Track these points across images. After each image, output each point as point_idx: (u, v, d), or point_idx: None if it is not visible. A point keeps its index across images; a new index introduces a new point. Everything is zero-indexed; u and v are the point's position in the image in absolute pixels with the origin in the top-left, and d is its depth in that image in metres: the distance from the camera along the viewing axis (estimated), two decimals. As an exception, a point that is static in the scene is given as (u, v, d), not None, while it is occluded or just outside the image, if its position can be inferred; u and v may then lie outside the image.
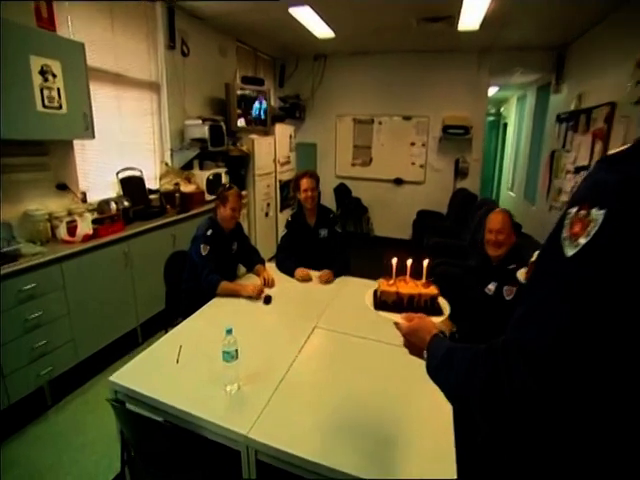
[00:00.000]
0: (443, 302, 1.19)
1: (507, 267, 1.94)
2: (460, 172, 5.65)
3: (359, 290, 1.33)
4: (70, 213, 2.63)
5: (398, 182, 6.10)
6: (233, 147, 4.30)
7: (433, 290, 1.17)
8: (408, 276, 1.22)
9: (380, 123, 5.95)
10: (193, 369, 1.55)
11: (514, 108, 7.68)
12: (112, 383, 1.47)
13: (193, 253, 2.33)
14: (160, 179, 3.71)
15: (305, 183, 2.67)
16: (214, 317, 2.00)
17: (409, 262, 1.22)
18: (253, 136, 4.59)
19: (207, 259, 2.28)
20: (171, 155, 3.97)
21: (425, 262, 1.21)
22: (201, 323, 1.93)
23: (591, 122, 4.11)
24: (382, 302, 1.15)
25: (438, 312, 1.13)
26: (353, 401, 1.44)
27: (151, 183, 3.70)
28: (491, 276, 2.05)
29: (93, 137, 2.72)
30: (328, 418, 1.35)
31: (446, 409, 1.33)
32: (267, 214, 5.05)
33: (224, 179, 4.14)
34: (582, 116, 4.31)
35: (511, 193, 7.24)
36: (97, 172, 3.15)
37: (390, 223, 6.38)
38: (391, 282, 1.18)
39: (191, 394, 1.41)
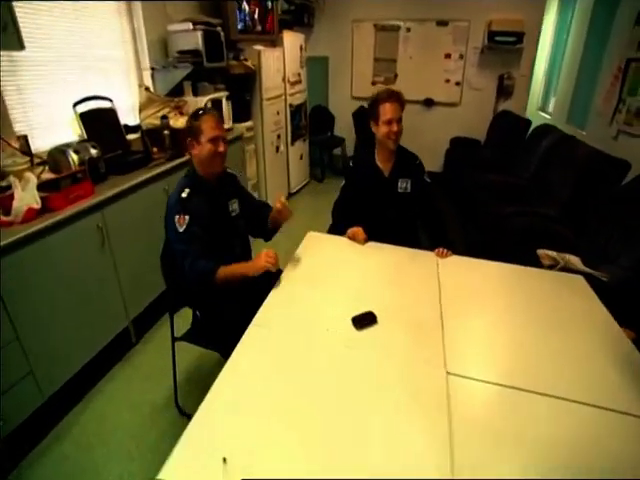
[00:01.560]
0: None
1: None
2: (504, 91, 4.47)
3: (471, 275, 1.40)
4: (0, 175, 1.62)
5: (428, 103, 4.84)
6: (236, 62, 3.07)
7: None
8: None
9: (408, 30, 4.52)
10: None
11: (552, 10, 6.13)
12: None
13: (169, 234, 1.45)
14: (140, 111, 2.56)
15: (390, 110, 1.72)
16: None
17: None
18: (259, 47, 3.32)
19: (188, 236, 1.40)
20: (152, 76, 2.76)
21: None
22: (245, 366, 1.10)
23: None
24: None
25: None
26: None
27: (127, 117, 2.57)
28: None
29: (21, 47, 1.62)
30: None
31: None
32: (278, 148, 3.97)
33: (225, 107, 3.03)
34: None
35: (544, 114, 6.04)
36: (44, 104, 2.05)
37: (419, 153, 5.18)
38: None
39: None
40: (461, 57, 4.48)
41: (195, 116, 1.48)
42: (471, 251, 1.87)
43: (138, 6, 2.59)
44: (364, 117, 4.86)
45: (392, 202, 1.89)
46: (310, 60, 4.67)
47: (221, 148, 1.48)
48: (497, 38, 4.08)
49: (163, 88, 2.79)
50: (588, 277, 1.66)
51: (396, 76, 4.81)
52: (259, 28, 3.41)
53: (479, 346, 1.22)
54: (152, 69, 2.74)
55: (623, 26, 3.89)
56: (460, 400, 1.00)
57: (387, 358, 1.14)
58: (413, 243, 1.86)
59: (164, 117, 2.51)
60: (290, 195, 4.38)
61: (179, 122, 2.56)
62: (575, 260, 2.25)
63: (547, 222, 2.81)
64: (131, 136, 2.40)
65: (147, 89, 2.70)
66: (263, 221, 1.73)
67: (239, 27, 3.17)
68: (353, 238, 1.81)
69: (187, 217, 1.39)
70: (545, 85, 5.88)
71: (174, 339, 1.63)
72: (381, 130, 1.77)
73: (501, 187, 3.48)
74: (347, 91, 5.13)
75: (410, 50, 4.64)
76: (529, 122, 4.16)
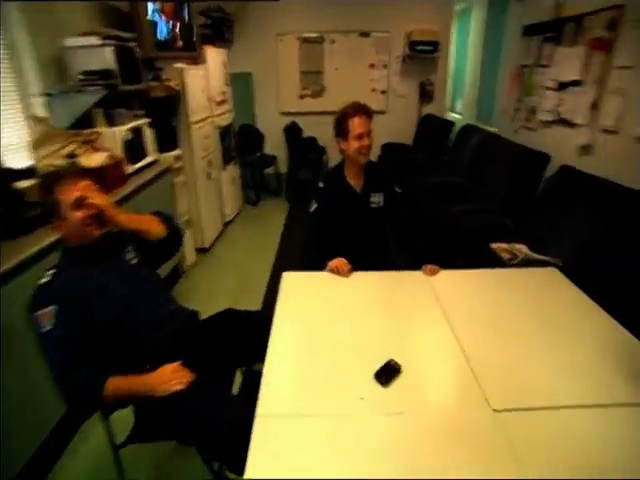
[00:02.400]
0: None
1: None
2: (426, 96, 4.58)
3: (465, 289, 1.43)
4: None
5: (357, 113, 4.76)
6: (156, 83, 2.57)
7: None
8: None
9: (333, 42, 4.43)
10: None
11: (454, 23, 6.57)
12: None
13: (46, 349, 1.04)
14: (34, 149, 1.96)
15: (360, 124, 1.65)
16: None
17: None
18: (180, 65, 2.84)
19: (60, 336, 1.00)
20: (47, 105, 2.16)
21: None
22: None
23: (585, 31, 3.25)
24: None
25: None
26: None
27: (17, 159, 1.97)
28: None
29: None
30: None
31: None
32: (210, 175, 3.50)
33: (147, 136, 2.50)
34: (568, 26, 3.43)
35: (455, 115, 6.42)
36: None
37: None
38: None
39: None
40: (385, 66, 4.48)
41: (49, 177, 1.18)
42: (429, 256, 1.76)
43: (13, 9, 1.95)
44: (295, 132, 4.63)
45: (366, 219, 1.75)
46: (233, 77, 4.27)
47: (89, 215, 1.13)
48: (417, 47, 4.13)
49: (65, 119, 2.19)
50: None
51: (324, 88, 4.64)
52: (180, 44, 2.92)
53: (507, 368, 1.12)
54: (47, 95, 2.12)
55: (514, 36, 4.22)
56: (518, 437, 0.89)
57: (427, 414, 0.99)
58: (388, 260, 1.78)
59: (71, 155, 1.94)
60: (226, 225, 3.96)
61: (93, 160, 2.01)
62: (524, 248, 2.31)
63: (494, 217, 2.86)
64: (24, 183, 1.78)
65: (41, 121, 2.08)
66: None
67: (157, 42, 2.66)
68: (337, 271, 1.57)
69: (54, 309, 1.00)
70: (453, 88, 6.24)
71: (116, 447, 1.19)
72: (352, 146, 1.65)
73: (443, 188, 3.48)
74: (274, 107, 4.87)
75: (336, 62, 4.52)
76: (451, 123, 4.29)
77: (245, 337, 1.34)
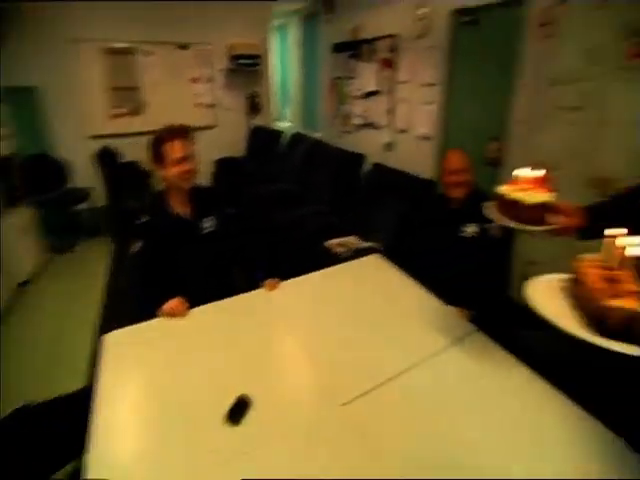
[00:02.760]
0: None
1: (473, 206, 1.47)
2: (254, 108, 4.69)
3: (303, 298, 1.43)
4: None
5: (186, 130, 4.52)
6: None
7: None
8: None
9: (148, 54, 4.01)
10: None
11: (273, 38, 6.90)
12: None
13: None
14: None
15: (179, 148, 1.51)
16: None
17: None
18: None
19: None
20: None
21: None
22: None
23: (376, 52, 3.94)
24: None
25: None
26: None
27: None
28: (455, 219, 1.71)
29: None
30: None
31: None
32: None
33: None
34: (365, 46, 4.09)
35: (284, 123, 6.81)
36: None
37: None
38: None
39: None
40: (209, 80, 4.37)
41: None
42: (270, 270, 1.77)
43: None
44: (110, 157, 4.00)
45: (199, 247, 1.63)
46: (6, 92, 3.33)
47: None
48: (240, 61, 4.17)
49: None
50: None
51: (143, 105, 4.19)
52: None
53: (349, 361, 1.19)
54: None
55: (326, 52, 4.77)
56: (367, 421, 0.99)
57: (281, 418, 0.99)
58: (231, 284, 1.70)
59: None
60: (21, 286, 3.03)
61: None
62: (354, 240, 2.71)
63: (325, 217, 3.21)
64: None
65: None
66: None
67: None
68: (172, 313, 1.43)
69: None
70: (281, 98, 6.61)
71: None
72: (171, 172, 1.51)
73: (276, 196, 3.69)
74: (79, 130, 4.03)
75: (155, 76, 4.14)
76: (279, 132, 4.55)
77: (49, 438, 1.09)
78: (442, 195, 1.77)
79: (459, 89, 3.16)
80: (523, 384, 1.10)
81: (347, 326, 1.34)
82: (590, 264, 0.81)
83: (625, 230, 0.77)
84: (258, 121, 4.77)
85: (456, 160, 1.72)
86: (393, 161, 3.75)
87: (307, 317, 1.43)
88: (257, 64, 4.34)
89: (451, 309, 1.45)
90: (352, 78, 4.45)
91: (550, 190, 1.00)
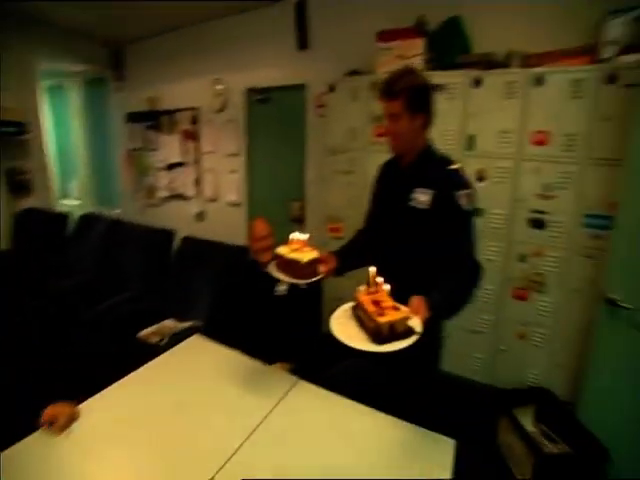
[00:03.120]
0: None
1: None
2: (22, 187, 3.67)
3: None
4: None
5: None
6: None
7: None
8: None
9: None
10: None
11: (44, 101, 5.87)
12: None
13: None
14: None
15: None
16: None
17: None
18: None
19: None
20: None
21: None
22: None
23: (178, 123, 3.91)
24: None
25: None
26: None
27: None
28: (267, 281, 1.62)
29: None
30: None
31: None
32: None
33: None
34: (164, 117, 4.00)
35: (70, 202, 5.61)
36: None
37: None
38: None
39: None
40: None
41: None
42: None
43: None
44: None
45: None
46: None
47: None
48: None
49: None
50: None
51: None
52: None
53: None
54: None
55: (118, 122, 4.43)
56: None
57: None
58: None
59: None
60: None
61: None
62: (171, 323, 2.33)
63: (137, 305, 2.66)
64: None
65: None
66: None
67: None
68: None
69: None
70: (62, 172, 5.55)
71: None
72: None
73: (71, 292, 2.88)
74: None
75: None
76: (64, 216, 3.68)
77: None
78: (253, 261, 1.83)
79: (260, 158, 3.42)
80: (347, 412, 1.23)
81: (183, 414, 1.24)
82: (363, 291, 1.07)
83: (374, 267, 1.07)
84: (32, 203, 3.73)
85: (260, 229, 1.79)
86: (206, 231, 3.57)
87: (138, 418, 1.22)
88: (22, 132, 3.52)
89: (273, 367, 1.51)
90: (154, 150, 4.22)
91: (314, 248, 1.20)
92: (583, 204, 1.85)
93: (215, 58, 3.40)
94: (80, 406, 1.21)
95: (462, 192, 1.13)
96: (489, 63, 1.88)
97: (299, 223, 3.16)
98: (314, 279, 1.18)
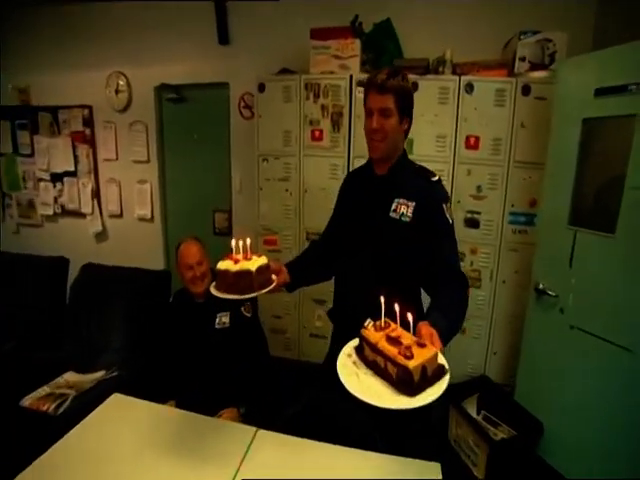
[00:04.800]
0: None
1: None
2: None
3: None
4: None
5: None
6: None
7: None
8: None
9: None
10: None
11: None
12: None
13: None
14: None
15: None
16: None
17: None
18: None
19: None
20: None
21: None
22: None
23: (64, 124, 3.22)
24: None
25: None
26: None
27: None
28: (204, 313, 1.55)
29: None
30: None
31: None
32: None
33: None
34: (44, 115, 3.26)
35: None
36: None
37: None
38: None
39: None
40: None
41: None
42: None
43: None
44: None
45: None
46: None
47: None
48: None
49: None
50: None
51: None
52: None
53: None
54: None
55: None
56: None
57: None
58: None
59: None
60: None
61: None
62: (71, 378, 1.82)
63: (17, 357, 1.98)
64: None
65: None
66: None
67: None
68: None
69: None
70: None
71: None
72: None
73: None
74: None
75: None
76: None
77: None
78: (184, 289, 1.60)
79: (176, 165, 3.00)
80: (327, 457, 1.04)
81: None
82: (370, 328, 0.83)
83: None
84: None
85: (192, 253, 1.54)
86: (110, 253, 3.02)
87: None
88: None
89: (221, 419, 1.33)
90: (29, 156, 3.42)
91: (260, 255, 1.04)
92: (508, 203, 2.00)
93: (115, 47, 2.87)
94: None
95: (447, 205, 1.07)
96: (425, 68, 1.91)
97: (225, 236, 2.85)
98: (270, 288, 1.02)
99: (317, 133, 2.14)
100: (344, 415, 1.10)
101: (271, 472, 0.97)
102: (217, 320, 1.51)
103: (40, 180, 3.43)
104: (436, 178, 1.10)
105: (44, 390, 1.67)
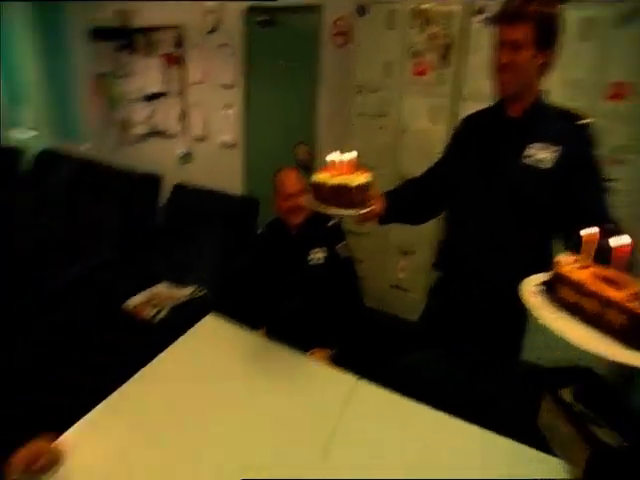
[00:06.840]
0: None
1: (317, 229, 1.48)
2: None
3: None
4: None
5: None
6: None
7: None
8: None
9: None
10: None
11: None
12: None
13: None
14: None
15: None
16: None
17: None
18: None
19: None
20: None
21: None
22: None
23: (157, 45, 3.28)
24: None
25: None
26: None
27: None
28: (298, 247, 1.50)
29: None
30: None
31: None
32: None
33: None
34: (139, 36, 3.32)
35: (22, 133, 4.78)
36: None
37: None
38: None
39: None
40: None
41: None
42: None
43: None
44: None
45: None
46: None
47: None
48: None
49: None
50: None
51: None
52: None
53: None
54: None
55: (79, 40, 3.67)
56: None
57: None
58: None
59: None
60: None
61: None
62: (164, 289, 1.96)
63: (116, 268, 2.22)
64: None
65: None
66: None
67: None
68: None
69: None
70: (8, 98, 4.66)
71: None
72: None
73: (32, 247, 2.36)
74: None
75: None
76: (15, 150, 3.10)
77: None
78: (277, 220, 1.55)
79: (261, 92, 2.97)
80: (437, 428, 0.97)
81: (220, 445, 0.91)
82: (571, 264, 0.70)
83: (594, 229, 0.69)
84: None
85: (292, 182, 1.46)
86: (193, 174, 3.18)
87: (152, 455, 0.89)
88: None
89: (312, 358, 1.28)
90: (126, 76, 3.58)
91: (365, 171, 0.96)
92: None
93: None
94: (63, 440, 0.86)
95: (597, 152, 0.94)
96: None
97: (306, 170, 2.89)
98: (367, 209, 0.95)
99: (421, 67, 1.94)
100: (443, 375, 1.09)
101: (377, 434, 0.92)
102: (311, 256, 1.47)
103: (135, 100, 3.63)
104: (585, 121, 0.96)
105: (144, 296, 1.84)
